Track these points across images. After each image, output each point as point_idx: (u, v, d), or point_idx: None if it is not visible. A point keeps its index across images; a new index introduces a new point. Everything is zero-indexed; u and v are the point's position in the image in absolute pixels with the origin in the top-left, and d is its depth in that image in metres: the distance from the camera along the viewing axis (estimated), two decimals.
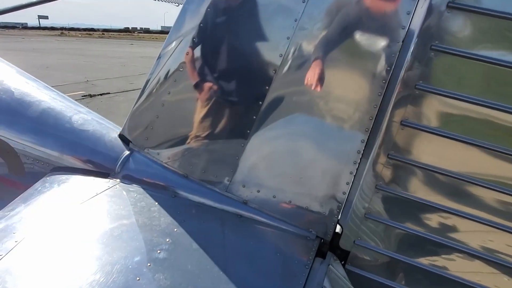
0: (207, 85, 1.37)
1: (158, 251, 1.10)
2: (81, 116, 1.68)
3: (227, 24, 1.33)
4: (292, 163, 1.32)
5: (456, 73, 1.12)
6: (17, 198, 1.35)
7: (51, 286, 0.94)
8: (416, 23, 1.12)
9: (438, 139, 1.15)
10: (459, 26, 1.10)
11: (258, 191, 1.38)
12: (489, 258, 1.19)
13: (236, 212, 1.39)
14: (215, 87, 1.37)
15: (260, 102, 1.31)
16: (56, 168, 1.57)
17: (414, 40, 1.12)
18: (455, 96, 1.11)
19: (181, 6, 1.44)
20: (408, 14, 1.13)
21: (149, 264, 1.05)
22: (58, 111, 1.66)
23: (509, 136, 1.11)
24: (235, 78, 1.36)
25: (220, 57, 1.35)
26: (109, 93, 10.09)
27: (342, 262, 1.35)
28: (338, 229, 1.33)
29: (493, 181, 1.14)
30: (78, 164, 1.58)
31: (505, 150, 1.10)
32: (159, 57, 1.44)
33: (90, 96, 9.42)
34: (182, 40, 1.39)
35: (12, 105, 1.65)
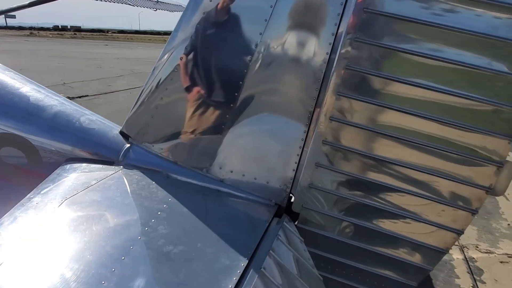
0: (193, 91, 1.82)
1: (159, 213, 1.54)
2: (87, 117, 2.08)
3: (210, 39, 1.76)
4: (255, 149, 1.79)
5: (375, 59, 1.56)
6: (43, 182, 1.74)
7: (91, 236, 1.36)
8: (343, 25, 1.56)
9: (360, 130, 1.65)
10: (375, 25, 1.56)
11: (231, 172, 1.83)
12: (405, 214, 1.69)
13: (215, 188, 1.85)
14: (198, 93, 1.81)
15: (232, 104, 1.77)
16: (70, 159, 1.97)
17: (343, 39, 1.56)
18: (378, 75, 1.55)
19: (158, 11, 1.87)
20: (338, 15, 1.58)
21: (153, 220, 1.49)
22: (68, 113, 2.06)
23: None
24: (213, 86, 1.81)
25: (201, 66, 1.79)
26: (87, 95, 10.25)
27: (296, 223, 1.83)
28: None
29: (404, 162, 1.64)
30: (87, 155, 1.98)
31: (415, 140, 1.59)
32: (153, 69, 1.86)
33: (69, 98, 9.54)
34: (173, 53, 1.82)
35: (29, 109, 2.03)
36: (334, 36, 1.59)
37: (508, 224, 4.04)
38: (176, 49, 1.80)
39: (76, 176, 1.79)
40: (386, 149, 1.66)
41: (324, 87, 1.64)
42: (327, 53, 1.61)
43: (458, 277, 3.10)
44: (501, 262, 3.37)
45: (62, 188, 1.67)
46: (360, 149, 1.68)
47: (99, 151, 1.99)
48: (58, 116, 2.03)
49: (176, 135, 1.88)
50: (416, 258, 1.79)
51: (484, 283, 3.05)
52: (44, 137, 1.99)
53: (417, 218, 1.72)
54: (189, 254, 1.34)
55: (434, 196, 1.67)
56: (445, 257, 3.34)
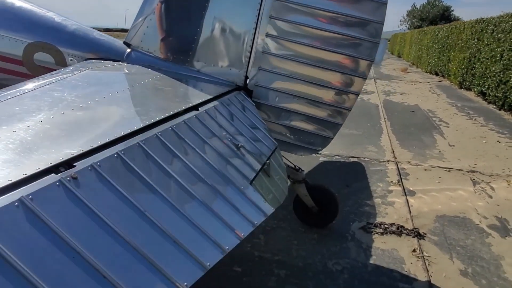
0: (173, 13, 2.58)
1: (154, 79, 2.31)
2: (98, 33, 2.83)
3: None
4: (223, 51, 2.57)
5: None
6: (63, 69, 2.47)
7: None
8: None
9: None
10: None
11: (205, 63, 2.61)
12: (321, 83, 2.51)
13: (189, 74, 2.62)
14: (174, 14, 2.58)
15: (201, 20, 2.54)
16: (86, 59, 2.71)
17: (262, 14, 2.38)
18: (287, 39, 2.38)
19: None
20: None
21: (154, 89, 2.25)
22: (83, 29, 2.80)
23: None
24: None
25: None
26: None
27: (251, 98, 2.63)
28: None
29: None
30: (100, 57, 2.73)
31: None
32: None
33: None
34: None
35: (55, 25, 2.76)
36: None
37: (439, 152, 4.95)
38: None
39: (93, 64, 2.54)
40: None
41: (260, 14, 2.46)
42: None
43: (388, 177, 3.97)
44: (425, 169, 4.27)
45: (84, 65, 2.42)
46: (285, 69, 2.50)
47: (109, 55, 2.73)
48: (77, 30, 2.77)
49: (166, 40, 2.64)
50: (332, 116, 2.60)
51: (408, 180, 3.92)
52: (67, 44, 2.73)
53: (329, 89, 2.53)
54: (169, 95, 2.12)
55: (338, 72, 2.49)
56: (381, 167, 4.23)
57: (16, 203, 0.88)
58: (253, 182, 1.71)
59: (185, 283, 1.04)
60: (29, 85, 1.80)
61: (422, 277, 2.29)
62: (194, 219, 1.25)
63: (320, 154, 4.58)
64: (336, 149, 4.84)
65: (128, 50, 2.72)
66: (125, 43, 2.74)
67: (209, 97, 2.18)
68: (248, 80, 2.62)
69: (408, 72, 16.83)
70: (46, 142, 1.19)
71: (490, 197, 3.55)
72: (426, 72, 16.67)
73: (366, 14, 2.41)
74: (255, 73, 2.58)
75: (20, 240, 0.83)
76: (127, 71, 2.48)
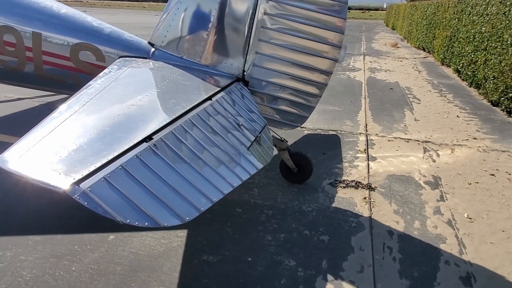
0: (190, 20, 3.40)
1: (177, 75, 3.17)
2: (128, 34, 3.65)
3: None
4: (226, 50, 3.41)
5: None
6: (110, 65, 3.32)
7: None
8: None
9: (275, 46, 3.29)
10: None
11: (213, 60, 3.46)
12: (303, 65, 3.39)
13: (201, 69, 3.47)
14: (192, 21, 3.39)
15: (210, 24, 3.36)
16: (121, 57, 3.54)
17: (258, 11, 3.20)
18: (280, 30, 3.22)
19: None
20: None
21: (165, 81, 3.11)
22: (117, 31, 3.62)
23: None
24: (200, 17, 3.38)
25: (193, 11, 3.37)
26: None
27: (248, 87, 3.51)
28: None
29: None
30: (131, 55, 3.56)
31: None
32: (166, 5, 3.42)
33: None
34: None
35: (94, 28, 3.58)
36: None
37: (404, 125, 5.91)
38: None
39: (130, 62, 3.38)
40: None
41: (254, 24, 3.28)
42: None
43: (358, 146, 4.94)
44: (389, 140, 5.24)
45: (123, 63, 3.27)
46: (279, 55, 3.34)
47: (138, 53, 3.57)
48: (112, 32, 3.60)
49: (182, 42, 3.47)
50: (307, 101, 3.50)
51: (373, 148, 4.90)
52: (105, 44, 3.55)
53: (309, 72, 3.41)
54: (190, 88, 3.00)
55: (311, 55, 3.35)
56: (354, 138, 5.19)
57: (136, 155, 1.80)
58: (249, 148, 2.64)
59: (214, 199, 1.98)
60: (93, 87, 2.67)
61: (366, 214, 3.31)
62: (215, 167, 2.19)
63: (305, 128, 5.52)
64: (319, 124, 5.78)
65: (153, 49, 3.56)
66: (149, 43, 3.57)
67: (218, 88, 3.07)
68: (245, 73, 3.49)
69: (398, 47, 17.48)
70: (132, 125, 2.10)
71: (434, 161, 4.55)
72: (415, 47, 17.34)
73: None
74: (250, 68, 3.45)
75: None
76: (155, 68, 3.33)
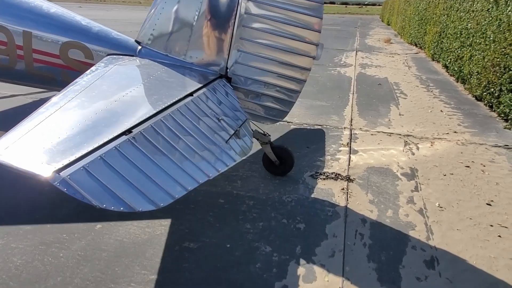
0: (175, 18, 3.54)
1: (162, 72, 3.31)
2: (115, 33, 3.79)
3: None
4: (210, 48, 3.56)
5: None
6: (97, 63, 3.47)
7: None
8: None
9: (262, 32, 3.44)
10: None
11: (197, 57, 3.61)
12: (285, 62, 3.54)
13: (185, 66, 3.62)
14: (176, 19, 3.53)
15: (193, 24, 3.50)
16: (108, 54, 3.68)
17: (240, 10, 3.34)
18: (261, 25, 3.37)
19: None
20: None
21: (151, 77, 3.26)
22: (105, 29, 3.75)
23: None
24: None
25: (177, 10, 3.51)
26: None
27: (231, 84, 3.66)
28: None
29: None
30: (119, 53, 3.70)
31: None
32: (151, 6, 3.56)
33: None
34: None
35: (83, 27, 3.71)
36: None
37: (389, 120, 6.09)
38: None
39: (117, 60, 3.52)
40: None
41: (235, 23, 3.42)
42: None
43: (341, 140, 5.11)
44: (372, 134, 5.42)
45: (110, 61, 3.41)
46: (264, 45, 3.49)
47: (125, 51, 3.71)
48: (100, 31, 3.73)
49: (167, 40, 3.61)
50: (288, 96, 3.65)
51: (356, 142, 5.07)
52: (93, 42, 3.69)
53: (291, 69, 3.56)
54: (173, 85, 3.15)
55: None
56: (338, 132, 5.35)
57: (115, 147, 1.95)
58: (228, 141, 2.80)
59: (189, 187, 2.14)
60: (79, 84, 2.81)
61: (343, 204, 3.48)
62: (192, 158, 2.35)
63: (291, 122, 5.68)
64: (305, 119, 5.95)
65: (139, 47, 3.70)
66: (136, 41, 3.71)
67: (201, 85, 3.22)
68: (228, 69, 3.64)
69: (391, 43, 17.63)
70: (114, 119, 2.25)
71: (413, 154, 4.73)
72: (408, 43, 17.49)
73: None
74: (233, 64, 3.60)
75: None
76: (141, 65, 3.47)
